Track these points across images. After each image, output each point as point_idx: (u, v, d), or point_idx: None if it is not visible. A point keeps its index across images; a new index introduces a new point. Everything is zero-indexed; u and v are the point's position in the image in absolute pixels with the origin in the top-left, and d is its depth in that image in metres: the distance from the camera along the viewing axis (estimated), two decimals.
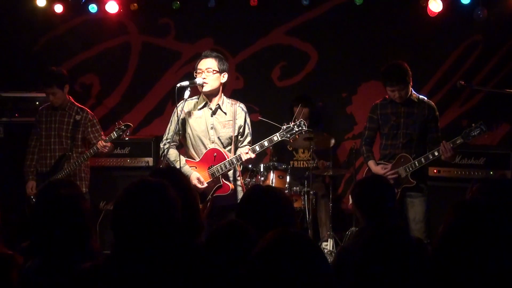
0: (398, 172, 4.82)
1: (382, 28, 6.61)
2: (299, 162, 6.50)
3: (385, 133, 4.96)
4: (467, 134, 4.55)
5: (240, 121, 4.44)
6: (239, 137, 4.47)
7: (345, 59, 6.74)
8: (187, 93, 4.32)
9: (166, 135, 4.50)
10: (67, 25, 6.95)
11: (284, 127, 4.23)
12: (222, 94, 4.48)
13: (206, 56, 4.41)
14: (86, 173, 5.35)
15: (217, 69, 4.36)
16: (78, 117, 5.29)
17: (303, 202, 5.98)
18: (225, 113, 4.41)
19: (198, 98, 4.48)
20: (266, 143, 4.23)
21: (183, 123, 4.45)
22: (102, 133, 5.34)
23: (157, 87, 7.02)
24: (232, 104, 4.46)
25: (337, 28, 6.74)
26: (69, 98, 5.36)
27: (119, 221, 2.16)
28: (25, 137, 5.52)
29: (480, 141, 5.99)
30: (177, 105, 4.40)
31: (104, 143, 5.03)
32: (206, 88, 4.35)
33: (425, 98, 4.96)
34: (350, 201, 3.77)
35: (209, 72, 4.34)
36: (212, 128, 4.40)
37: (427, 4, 6.17)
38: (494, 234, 2.16)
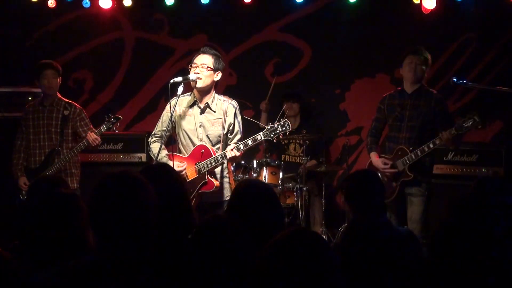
0: (395, 165, 4.79)
1: (376, 25, 6.61)
2: (291, 157, 6.49)
3: (390, 124, 4.93)
4: (460, 126, 4.52)
5: (230, 119, 4.42)
6: (229, 134, 4.46)
7: (339, 55, 6.74)
8: (180, 89, 4.31)
9: (155, 130, 4.53)
10: (60, 20, 6.92)
11: (269, 126, 4.23)
12: (214, 92, 4.46)
13: (204, 52, 4.39)
14: (77, 169, 5.34)
15: (212, 67, 4.34)
16: (66, 112, 5.28)
17: (296, 199, 5.98)
18: (214, 112, 4.40)
19: (190, 95, 4.47)
20: (250, 142, 4.23)
21: (175, 119, 4.44)
22: (91, 126, 5.32)
23: (151, 83, 7.00)
24: (223, 101, 4.44)
25: (330, 25, 6.74)
26: (57, 93, 5.35)
27: (92, 218, 2.18)
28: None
29: (472, 138, 6.00)
30: (170, 101, 4.40)
31: (95, 136, 5.03)
32: (198, 84, 4.33)
33: (434, 91, 4.92)
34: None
35: (203, 68, 4.32)
36: (200, 126, 4.39)
37: (421, 1, 6.18)
38: (487, 232, 2.16)
